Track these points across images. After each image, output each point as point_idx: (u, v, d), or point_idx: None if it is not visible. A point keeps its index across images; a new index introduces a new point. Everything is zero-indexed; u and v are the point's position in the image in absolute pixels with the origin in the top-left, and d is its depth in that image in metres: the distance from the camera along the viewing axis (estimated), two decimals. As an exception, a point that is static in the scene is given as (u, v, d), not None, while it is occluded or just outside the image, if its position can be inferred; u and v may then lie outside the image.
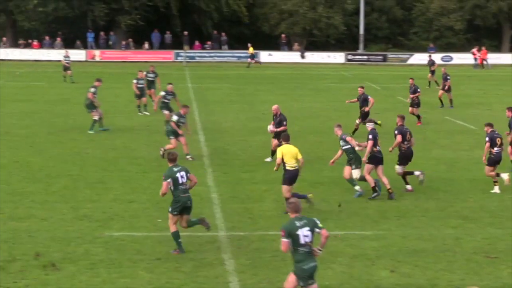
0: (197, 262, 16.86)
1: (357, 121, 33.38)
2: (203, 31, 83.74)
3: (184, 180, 17.53)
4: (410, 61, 78.93)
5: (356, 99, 34.44)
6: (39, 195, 22.54)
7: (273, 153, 26.53)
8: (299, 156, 20.84)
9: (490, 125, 24.48)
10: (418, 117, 37.04)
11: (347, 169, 23.08)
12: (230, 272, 16.31)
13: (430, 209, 21.72)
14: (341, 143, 23.07)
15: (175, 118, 27.71)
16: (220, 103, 45.11)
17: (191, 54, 78.88)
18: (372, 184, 22.69)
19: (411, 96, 37.59)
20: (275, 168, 21.26)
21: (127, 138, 32.12)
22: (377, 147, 22.99)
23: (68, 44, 79.28)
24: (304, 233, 12.87)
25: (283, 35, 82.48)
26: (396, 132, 23.79)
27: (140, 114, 39.42)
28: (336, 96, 49.19)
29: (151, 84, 41.63)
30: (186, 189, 17.56)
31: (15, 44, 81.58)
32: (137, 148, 30.11)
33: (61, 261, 16.63)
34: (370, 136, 22.94)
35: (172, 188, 17.36)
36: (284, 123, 27.16)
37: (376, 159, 22.88)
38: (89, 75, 56.69)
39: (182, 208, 17.55)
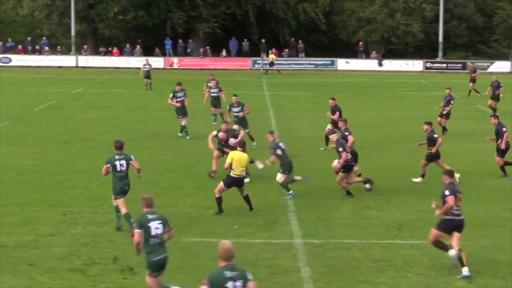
0: (273, 269, 16.90)
1: (329, 127, 32.34)
2: (280, 39, 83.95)
3: (123, 169, 19.49)
4: (490, 69, 77.66)
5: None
6: (117, 200, 22.87)
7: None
8: (247, 165, 21.68)
9: (430, 124, 25.96)
10: (444, 129, 35.87)
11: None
12: (305, 279, 16.31)
13: (508, 219, 21.37)
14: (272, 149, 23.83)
15: (214, 133, 26.73)
16: (297, 111, 45.13)
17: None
18: (348, 188, 23.61)
19: (444, 106, 36.22)
20: (225, 166, 21.67)
21: (203, 145, 32.25)
22: (348, 155, 23.69)
23: (147, 51, 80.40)
24: (155, 226, 13.97)
25: (360, 43, 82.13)
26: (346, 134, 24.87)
27: (214, 123, 38.97)
28: (413, 104, 48.80)
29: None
30: (123, 176, 19.50)
31: (95, 52, 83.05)
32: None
33: (139, 266, 16.84)
34: (341, 149, 23.68)
35: (111, 173, 19.44)
36: (238, 133, 27.08)
37: (349, 166, 23.73)
38: (167, 82, 57.38)
39: (123, 191, 19.47)
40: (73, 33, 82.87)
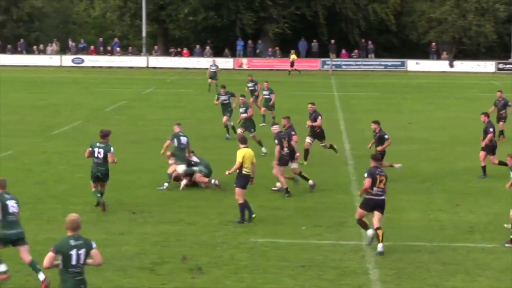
0: (341, 270, 16.84)
1: (308, 140, 28.95)
2: (350, 40, 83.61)
3: (100, 156, 21.58)
4: None
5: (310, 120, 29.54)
6: (186, 200, 23.04)
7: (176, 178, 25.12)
8: (254, 160, 21.17)
9: (378, 123, 26.19)
10: (501, 132, 34.84)
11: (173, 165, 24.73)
12: (374, 281, 16.20)
13: None
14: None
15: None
16: (366, 112, 44.85)
17: (338, 63, 78.85)
18: (285, 186, 23.58)
19: (500, 110, 35.18)
20: (230, 171, 21.19)
21: (271, 145, 32.22)
22: (284, 149, 23.75)
23: (217, 52, 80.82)
24: (12, 204, 15.71)
25: (433, 44, 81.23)
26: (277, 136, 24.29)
27: (263, 124, 37.80)
28: (485, 106, 47.96)
29: (252, 94, 41.94)
30: (99, 163, 21.66)
31: (166, 52, 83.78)
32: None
33: (207, 265, 16.94)
34: (276, 141, 23.76)
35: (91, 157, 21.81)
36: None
37: (283, 161, 23.81)
38: (237, 83, 57.57)
39: (95, 177, 21.78)
40: (144, 34, 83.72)
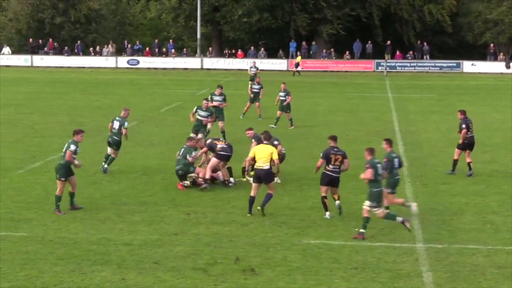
0: (394, 273, 16.76)
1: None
2: (404, 41, 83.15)
3: (63, 150, 21.55)
4: None
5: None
6: (241, 201, 23.09)
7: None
8: (275, 157, 21.58)
9: (251, 129, 26.21)
10: None
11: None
12: (428, 284, 16.09)
13: None
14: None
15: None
16: (421, 114, 44.58)
17: (392, 64, 78.43)
18: (226, 178, 24.89)
19: None
20: (245, 166, 22.25)
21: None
22: (218, 146, 24.91)
23: (271, 54, 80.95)
24: None
25: (491, 45, 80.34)
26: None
27: (272, 126, 37.87)
28: (542, 107, 47.42)
29: (256, 96, 41.70)
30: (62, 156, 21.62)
31: (220, 54, 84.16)
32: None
33: (260, 266, 16.98)
34: (210, 154, 25.15)
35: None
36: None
37: (222, 156, 24.83)
38: (289, 85, 57.60)
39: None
40: (198, 35, 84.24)
